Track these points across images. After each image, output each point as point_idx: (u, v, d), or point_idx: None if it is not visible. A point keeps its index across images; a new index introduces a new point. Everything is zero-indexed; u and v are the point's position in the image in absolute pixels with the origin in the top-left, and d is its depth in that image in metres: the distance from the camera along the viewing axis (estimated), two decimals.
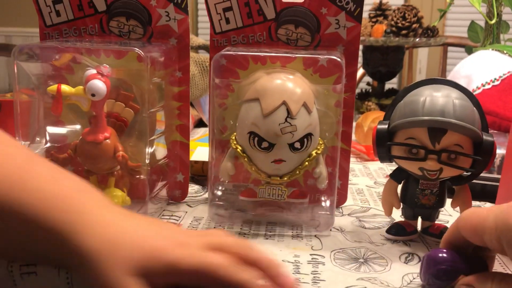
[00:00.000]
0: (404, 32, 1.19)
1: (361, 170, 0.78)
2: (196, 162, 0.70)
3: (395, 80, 1.98)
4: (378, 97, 1.29)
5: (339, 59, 0.50)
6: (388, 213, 0.52)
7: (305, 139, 0.51)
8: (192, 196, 0.63)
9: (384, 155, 0.49)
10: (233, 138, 0.53)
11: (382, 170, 0.79)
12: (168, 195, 0.61)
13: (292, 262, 0.45)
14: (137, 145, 0.55)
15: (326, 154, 0.54)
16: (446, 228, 0.52)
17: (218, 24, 0.58)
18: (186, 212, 0.58)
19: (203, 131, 0.97)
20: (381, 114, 0.96)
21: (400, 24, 1.19)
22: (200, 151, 0.73)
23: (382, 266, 0.45)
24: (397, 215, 0.54)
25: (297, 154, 0.51)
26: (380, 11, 1.27)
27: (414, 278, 0.43)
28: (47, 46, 0.53)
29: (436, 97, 0.46)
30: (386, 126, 0.49)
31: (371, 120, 0.94)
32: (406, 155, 0.47)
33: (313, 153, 0.52)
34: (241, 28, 0.58)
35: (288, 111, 0.49)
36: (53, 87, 0.49)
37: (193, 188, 0.66)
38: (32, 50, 0.52)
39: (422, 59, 2.18)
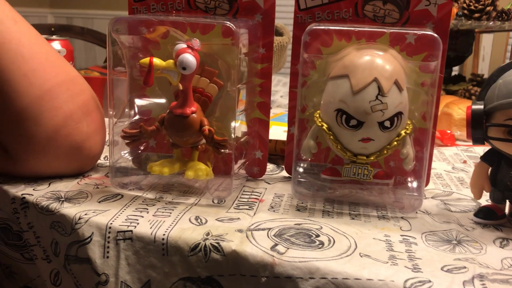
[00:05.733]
0: (476, 15, 1.14)
1: (436, 155, 0.76)
2: (269, 140, 0.70)
3: (456, 67, 1.91)
4: (445, 82, 1.24)
5: (435, 34, 0.49)
6: (478, 196, 0.51)
7: (395, 118, 0.49)
8: (268, 174, 0.63)
9: (479, 137, 0.47)
10: (317, 115, 0.53)
11: (458, 156, 0.77)
12: (247, 171, 0.61)
13: (383, 241, 0.44)
14: (220, 121, 0.55)
15: (413, 135, 0.53)
16: None
17: (303, 0, 0.57)
18: (266, 188, 0.58)
19: None
20: (454, 99, 0.93)
21: (473, 7, 1.14)
22: (274, 130, 0.73)
23: (477, 249, 0.44)
24: (483, 199, 0.52)
25: (386, 133, 0.50)
26: None
27: None
28: (142, 19, 0.54)
29: None
30: (482, 107, 0.47)
31: (444, 105, 0.91)
32: (505, 137, 0.45)
33: (402, 132, 0.51)
34: (326, 4, 0.57)
35: (379, 88, 0.48)
36: (145, 60, 0.49)
37: (268, 166, 0.66)
38: (126, 22, 0.52)
39: (486, 46, 2.09)
